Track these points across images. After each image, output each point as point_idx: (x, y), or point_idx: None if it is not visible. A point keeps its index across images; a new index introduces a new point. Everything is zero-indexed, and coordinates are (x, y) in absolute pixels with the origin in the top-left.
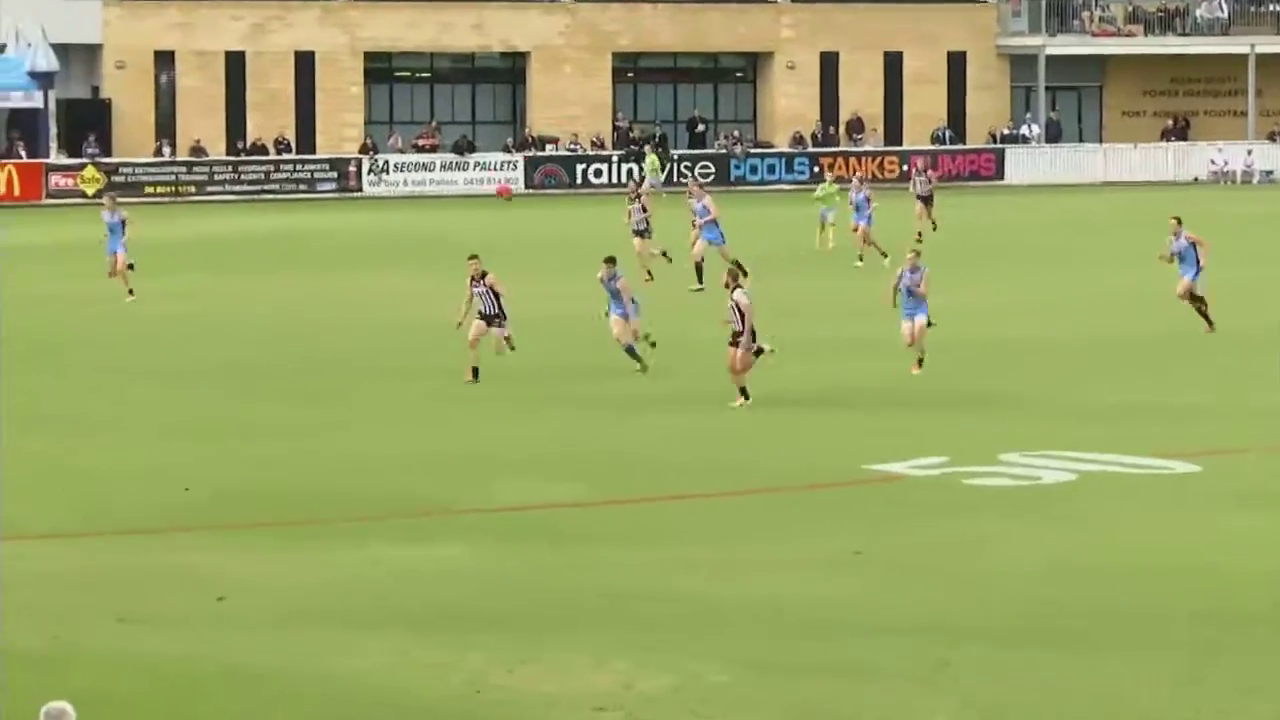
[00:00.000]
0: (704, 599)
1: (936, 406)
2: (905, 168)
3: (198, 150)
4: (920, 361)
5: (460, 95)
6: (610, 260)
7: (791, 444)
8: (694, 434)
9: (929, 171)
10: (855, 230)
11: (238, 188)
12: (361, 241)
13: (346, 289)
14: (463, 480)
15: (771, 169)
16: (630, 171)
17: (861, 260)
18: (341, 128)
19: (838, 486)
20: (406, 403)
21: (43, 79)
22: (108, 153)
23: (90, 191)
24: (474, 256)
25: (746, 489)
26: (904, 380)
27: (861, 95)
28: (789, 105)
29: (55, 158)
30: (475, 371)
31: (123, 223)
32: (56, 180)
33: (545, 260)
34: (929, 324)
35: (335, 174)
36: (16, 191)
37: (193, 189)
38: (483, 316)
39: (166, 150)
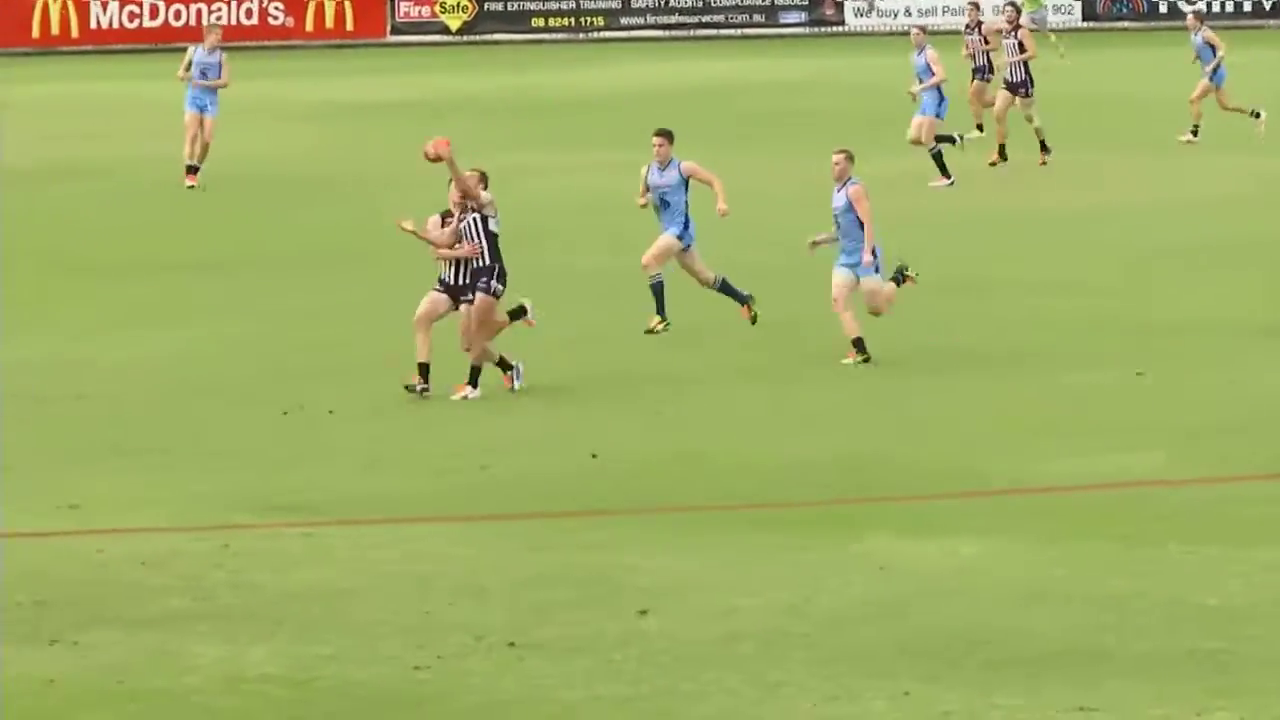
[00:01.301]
0: None
1: None
2: None
3: None
4: (858, 347)
5: None
6: (663, 134)
7: None
8: None
9: None
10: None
11: (665, 19)
12: (844, 104)
13: (823, 178)
14: (989, 449)
15: None
16: None
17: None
18: None
19: None
20: (900, 342)
21: None
22: None
23: (454, 26)
24: (477, 170)
25: None
26: None
27: None
28: None
29: None
30: (425, 372)
31: (220, 66)
32: (406, 8)
33: (1111, 131)
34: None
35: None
36: (349, 25)
37: (600, 21)
38: (444, 283)
39: None
